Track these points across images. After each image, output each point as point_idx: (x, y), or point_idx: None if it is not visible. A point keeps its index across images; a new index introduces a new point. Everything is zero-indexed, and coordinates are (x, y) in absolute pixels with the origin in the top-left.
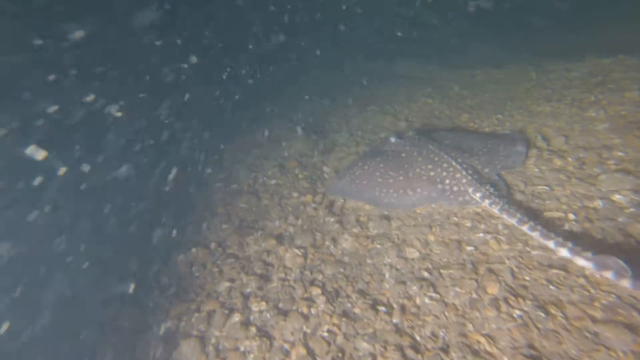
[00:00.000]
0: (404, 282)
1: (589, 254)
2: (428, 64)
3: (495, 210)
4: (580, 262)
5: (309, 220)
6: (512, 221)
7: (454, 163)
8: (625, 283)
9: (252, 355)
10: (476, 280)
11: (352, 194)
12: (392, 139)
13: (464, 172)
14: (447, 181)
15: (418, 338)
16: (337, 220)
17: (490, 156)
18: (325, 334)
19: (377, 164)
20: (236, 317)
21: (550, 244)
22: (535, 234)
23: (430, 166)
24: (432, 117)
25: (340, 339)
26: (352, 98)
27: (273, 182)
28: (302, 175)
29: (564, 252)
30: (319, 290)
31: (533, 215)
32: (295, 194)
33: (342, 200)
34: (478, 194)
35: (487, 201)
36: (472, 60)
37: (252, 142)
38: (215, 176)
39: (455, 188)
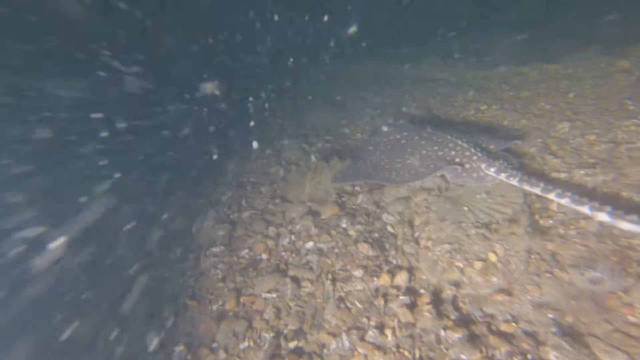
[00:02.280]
0: None
1: (635, 217)
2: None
3: (514, 182)
4: (626, 225)
5: (405, 337)
6: (535, 190)
7: (459, 142)
8: None
9: None
10: None
11: (359, 178)
12: (384, 127)
13: (472, 150)
14: (458, 159)
15: None
16: (466, 336)
17: (490, 135)
18: None
19: (380, 155)
20: None
21: (585, 209)
22: (564, 201)
23: (436, 147)
24: (512, 130)
25: None
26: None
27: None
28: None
29: (603, 217)
30: None
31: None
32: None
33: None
34: (492, 169)
35: (503, 175)
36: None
37: None
38: None
39: (468, 165)
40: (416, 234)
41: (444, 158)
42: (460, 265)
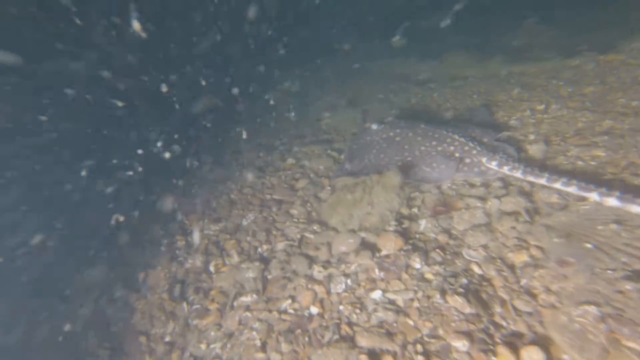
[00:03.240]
0: None
1: None
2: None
3: (518, 174)
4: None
5: None
6: (541, 181)
7: (456, 137)
8: None
9: None
10: None
11: (360, 173)
12: (374, 126)
13: (470, 144)
14: (457, 154)
15: None
16: None
17: (482, 128)
18: None
19: (378, 153)
20: None
21: (594, 195)
22: (571, 189)
23: (434, 142)
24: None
25: None
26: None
27: None
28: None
29: (613, 202)
30: None
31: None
32: None
33: None
34: (494, 163)
35: (505, 168)
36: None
37: None
38: None
39: (468, 160)
40: (524, 281)
41: (444, 154)
42: (636, 347)
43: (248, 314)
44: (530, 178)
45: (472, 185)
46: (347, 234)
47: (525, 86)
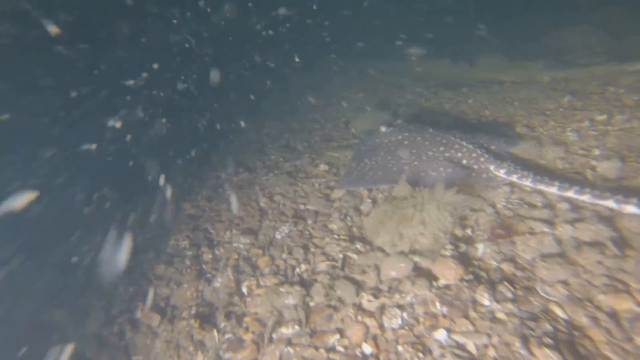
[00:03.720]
0: None
1: None
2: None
3: (527, 183)
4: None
5: None
6: (552, 190)
7: (464, 143)
8: None
9: None
10: None
11: (367, 182)
12: (383, 128)
13: (478, 151)
14: (465, 161)
15: None
16: None
17: (491, 136)
18: None
19: (385, 155)
20: None
21: (610, 203)
22: (585, 197)
23: (442, 148)
24: None
25: None
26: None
27: None
28: None
29: (631, 209)
30: None
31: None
32: None
33: None
34: (502, 170)
35: (514, 176)
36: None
37: None
38: None
39: (476, 167)
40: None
41: (452, 160)
42: None
43: (290, 349)
44: (540, 186)
45: (532, 206)
46: (398, 257)
47: (577, 94)
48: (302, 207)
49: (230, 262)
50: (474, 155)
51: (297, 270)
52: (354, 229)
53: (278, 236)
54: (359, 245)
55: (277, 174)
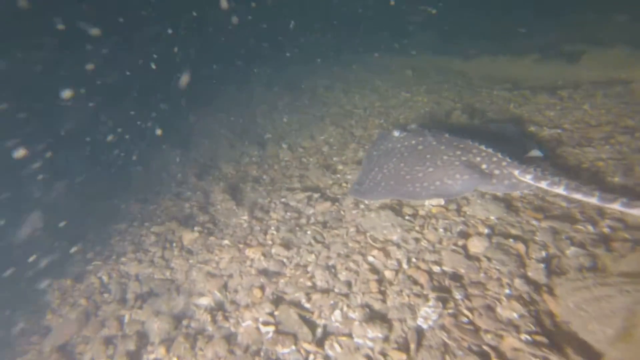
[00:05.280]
0: None
1: None
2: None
3: (560, 191)
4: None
5: None
6: (592, 200)
7: (483, 147)
8: None
9: None
10: None
11: (381, 195)
12: (396, 133)
13: (499, 155)
14: (484, 166)
15: None
16: None
17: (507, 140)
18: None
19: (398, 162)
20: None
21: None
22: (616, 205)
23: (458, 152)
24: None
25: None
26: None
27: None
28: None
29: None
30: None
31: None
32: None
33: None
34: (528, 176)
35: (543, 183)
36: None
37: None
38: None
39: (497, 172)
40: None
41: (469, 164)
42: None
43: None
44: (577, 195)
45: None
46: None
47: None
48: None
49: None
50: (494, 159)
51: None
52: None
53: None
54: None
55: None
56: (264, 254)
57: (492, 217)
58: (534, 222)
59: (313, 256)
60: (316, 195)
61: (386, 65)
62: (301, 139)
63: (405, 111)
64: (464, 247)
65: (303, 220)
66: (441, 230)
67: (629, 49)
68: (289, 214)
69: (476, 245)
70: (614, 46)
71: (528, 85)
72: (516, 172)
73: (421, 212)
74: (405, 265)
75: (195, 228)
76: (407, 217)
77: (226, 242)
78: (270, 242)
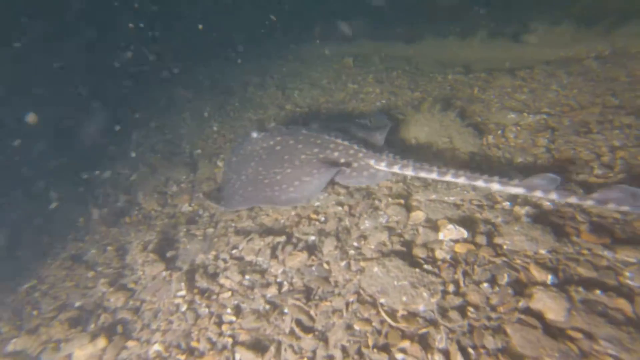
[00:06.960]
0: None
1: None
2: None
3: (409, 172)
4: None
5: None
6: (432, 176)
7: (339, 141)
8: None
9: None
10: None
11: (239, 203)
12: (254, 134)
13: (355, 147)
14: (342, 160)
15: None
16: None
17: (367, 130)
18: None
19: (257, 166)
20: None
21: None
22: (460, 180)
23: (316, 150)
24: None
25: None
26: None
27: None
28: None
29: (496, 187)
30: None
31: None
32: None
33: None
34: (383, 164)
35: (396, 167)
36: None
37: None
38: None
39: (355, 164)
40: None
41: (327, 160)
42: None
43: None
44: (421, 174)
45: None
46: None
47: None
48: None
49: None
50: (351, 152)
51: None
52: None
53: None
54: None
55: None
56: None
57: (542, 251)
58: (605, 253)
59: None
60: (280, 240)
61: (320, 54)
62: None
63: (359, 105)
64: (531, 311)
65: (273, 289)
66: (485, 284)
67: (573, 25)
68: (247, 277)
69: (549, 308)
70: (560, 23)
71: (481, 67)
72: (372, 162)
73: (439, 254)
74: None
75: (100, 332)
76: (425, 267)
77: (155, 349)
78: (230, 342)
